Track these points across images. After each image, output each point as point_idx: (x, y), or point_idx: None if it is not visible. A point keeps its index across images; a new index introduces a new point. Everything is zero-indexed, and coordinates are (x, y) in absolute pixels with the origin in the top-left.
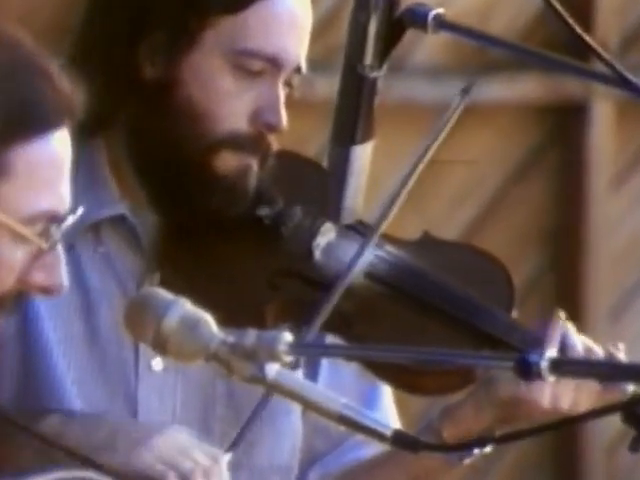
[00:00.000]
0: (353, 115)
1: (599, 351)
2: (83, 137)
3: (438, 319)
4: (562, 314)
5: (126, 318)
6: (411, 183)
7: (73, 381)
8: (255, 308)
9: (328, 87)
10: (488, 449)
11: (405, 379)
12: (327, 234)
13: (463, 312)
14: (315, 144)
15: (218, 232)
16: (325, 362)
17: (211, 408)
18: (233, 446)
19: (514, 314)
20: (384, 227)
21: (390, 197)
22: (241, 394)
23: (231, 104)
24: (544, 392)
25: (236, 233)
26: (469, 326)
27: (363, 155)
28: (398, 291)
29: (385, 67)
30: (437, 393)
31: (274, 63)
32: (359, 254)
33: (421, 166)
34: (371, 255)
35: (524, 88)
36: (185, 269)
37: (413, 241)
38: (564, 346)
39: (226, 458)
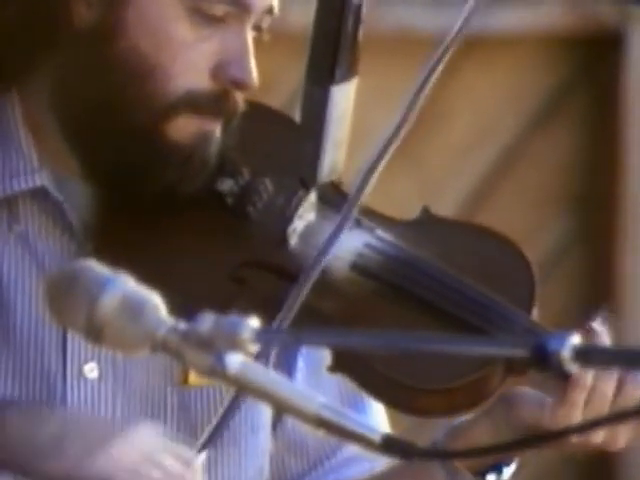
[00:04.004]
0: (332, 48)
1: None
2: None
3: (442, 323)
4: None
5: (49, 296)
6: (397, 139)
7: None
8: (216, 306)
9: (303, 15)
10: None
11: (402, 397)
12: (306, 215)
13: (473, 314)
14: (287, 84)
15: (170, 212)
16: (302, 364)
17: (160, 423)
18: (205, 445)
19: (534, 314)
20: (363, 199)
21: (370, 159)
22: (197, 406)
23: (188, 57)
24: (576, 416)
25: (193, 214)
26: (481, 332)
27: (345, 97)
28: (393, 288)
29: None
30: (441, 415)
31: (241, 6)
32: (334, 236)
33: (409, 116)
34: (359, 242)
35: (547, 14)
36: (128, 255)
37: (409, 221)
38: None
39: (200, 459)
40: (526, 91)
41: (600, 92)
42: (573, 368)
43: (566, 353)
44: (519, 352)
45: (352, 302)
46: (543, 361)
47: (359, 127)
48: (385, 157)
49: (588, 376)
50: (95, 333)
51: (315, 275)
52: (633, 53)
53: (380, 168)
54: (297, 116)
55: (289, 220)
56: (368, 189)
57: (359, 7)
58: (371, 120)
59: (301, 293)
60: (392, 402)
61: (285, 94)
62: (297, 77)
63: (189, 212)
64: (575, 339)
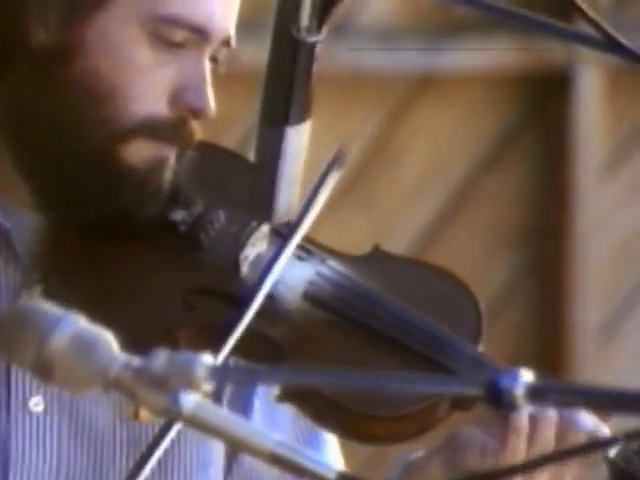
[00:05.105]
0: (286, 89)
1: None
2: None
3: (392, 353)
4: None
5: None
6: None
7: None
8: (166, 332)
9: (256, 54)
10: None
11: (349, 424)
12: (258, 244)
13: (422, 344)
14: (240, 125)
15: (122, 239)
16: (258, 403)
17: (109, 459)
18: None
19: (481, 348)
20: (310, 230)
21: (308, 194)
22: (148, 440)
23: (147, 81)
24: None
25: (145, 241)
26: (429, 362)
27: (299, 138)
28: (343, 317)
29: (325, 29)
30: (388, 441)
31: (200, 33)
32: (273, 262)
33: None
34: (310, 271)
35: (496, 54)
36: (77, 283)
37: (359, 256)
38: None
39: None
40: (477, 129)
41: (550, 130)
42: (526, 406)
43: (519, 391)
44: (472, 389)
45: (303, 330)
46: (496, 399)
47: (312, 165)
48: (327, 187)
49: (525, 423)
50: (44, 371)
51: (256, 305)
52: (581, 91)
53: (323, 198)
54: (251, 155)
55: (241, 248)
56: (311, 219)
57: (313, 47)
58: (324, 158)
59: (242, 321)
60: (340, 429)
61: (239, 133)
62: (251, 116)
63: (141, 240)
64: (528, 376)
